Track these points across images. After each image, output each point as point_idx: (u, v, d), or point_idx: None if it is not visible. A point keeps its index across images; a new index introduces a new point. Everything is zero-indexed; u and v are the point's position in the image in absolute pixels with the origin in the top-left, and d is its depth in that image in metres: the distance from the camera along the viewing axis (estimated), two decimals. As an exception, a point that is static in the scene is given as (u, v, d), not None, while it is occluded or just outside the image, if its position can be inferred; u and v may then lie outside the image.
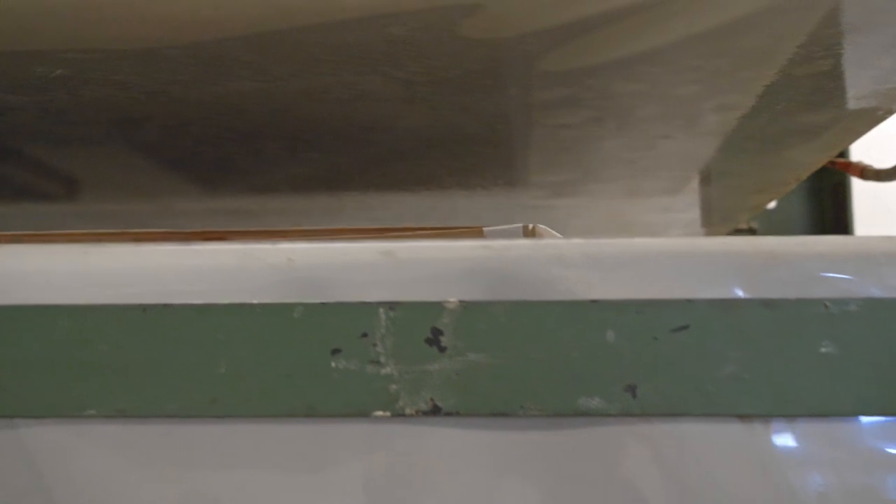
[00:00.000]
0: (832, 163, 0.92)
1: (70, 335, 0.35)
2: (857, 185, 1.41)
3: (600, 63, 0.53)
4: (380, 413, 0.34)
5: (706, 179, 0.88)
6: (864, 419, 0.34)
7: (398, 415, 0.34)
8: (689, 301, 0.34)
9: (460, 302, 0.34)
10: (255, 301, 0.35)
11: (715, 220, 1.10)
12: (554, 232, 0.41)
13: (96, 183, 0.83)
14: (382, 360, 0.34)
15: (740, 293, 0.34)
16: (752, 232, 1.35)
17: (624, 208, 1.00)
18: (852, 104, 0.62)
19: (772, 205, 1.50)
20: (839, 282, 0.34)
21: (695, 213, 1.05)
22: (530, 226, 0.40)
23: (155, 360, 0.35)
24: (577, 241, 0.35)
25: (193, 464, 0.35)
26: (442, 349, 0.34)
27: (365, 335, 0.34)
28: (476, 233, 0.40)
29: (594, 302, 0.34)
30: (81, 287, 0.36)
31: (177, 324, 0.35)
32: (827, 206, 1.47)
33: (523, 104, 0.60)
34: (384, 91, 0.56)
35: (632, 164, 0.79)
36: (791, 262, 0.34)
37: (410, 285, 0.35)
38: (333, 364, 0.34)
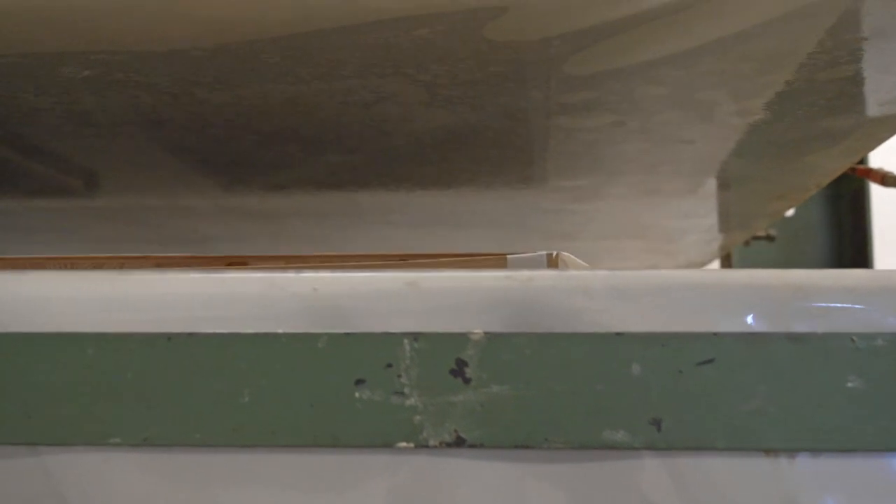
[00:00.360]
0: (852, 169, 0.91)
1: (95, 363, 0.35)
2: (877, 193, 1.40)
3: (624, 66, 0.52)
4: (403, 444, 0.34)
5: (725, 185, 0.87)
6: (891, 455, 0.33)
7: (422, 446, 0.34)
8: (715, 334, 0.34)
9: (485, 333, 0.34)
10: (279, 330, 0.35)
11: (733, 225, 1.10)
12: (578, 260, 0.41)
13: (115, 179, 0.83)
14: (407, 390, 0.34)
15: (766, 327, 0.34)
16: (770, 239, 1.35)
17: (642, 213, 0.99)
18: (874, 110, 0.62)
19: (790, 212, 1.49)
20: (866, 316, 0.34)
21: (713, 219, 1.04)
22: (554, 253, 0.40)
23: (179, 388, 0.35)
24: (601, 272, 0.35)
25: (217, 492, 0.35)
26: (466, 380, 0.34)
27: (389, 366, 0.34)
28: (499, 261, 0.40)
29: (619, 335, 0.34)
30: (107, 315, 0.36)
31: (201, 352, 0.35)
32: (846, 214, 1.46)
33: (545, 107, 0.60)
34: (406, 93, 0.56)
35: (652, 169, 0.79)
36: (817, 295, 0.34)
37: (434, 316, 0.35)
38: (357, 394, 0.34)
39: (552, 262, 0.40)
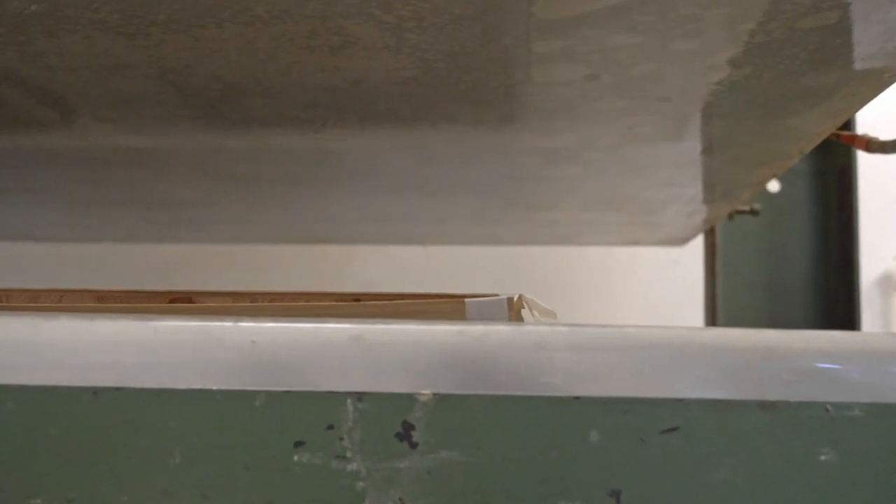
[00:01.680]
0: (836, 135, 0.89)
1: (15, 418, 0.33)
2: (863, 169, 1.38)
3: (596, 10, 0.50)
4: (345, 512, 0.32)
5: (707, 150, 0.85)
6: (865, 533, 0.31)
7: (365, 514, 0.32)
8: (680, 400, 0.31)
9: (434, 394, 0.32)
10: (214, 387, 0.32)
11: (716, 195, 1.07)
12: (542, 304, 0.38)
13: (78, 129, 0.80)
14: (349, 454, 0.32)
15: (735, 393, 0.31)
16: (754, 213, 1.32)
17: (622, 181, 0.97)
18: (859, 64, 0.59)
19: (776, 187, 1.47)
20: (843, 383, 0.31)
21: (695, 188, 1.02)
22: (515, 297, 0.37)
23: (106, 447, 0.33)
24: (561, 328, 0.33)
25: (146, 558, 0.33)
26: (413, 445, 0.32)
27: (331, 427, 0.32)
28: (457, 305, 0.37)
29: (577, 399, 0.32)
30: (30, 365, 0.33)
31: (129, 408, 0.33)
32: (832, 191, 1.44)
33: (516, 56, 0.58)
34: (372, 38, 0.54)
35: (630, 132, 0.77)
36: (790, 359, 0.32)
37: (381, 374, 0.32)
38: (296, 457, 0.32)
39: (514, 306, 0.37)
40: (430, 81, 0.62)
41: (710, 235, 1.47)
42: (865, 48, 0.56)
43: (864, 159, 1.39)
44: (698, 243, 1.40)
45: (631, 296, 1.37)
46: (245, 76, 0.61)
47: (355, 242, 1.36)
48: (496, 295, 0.37)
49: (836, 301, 1.43)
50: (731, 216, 1.27)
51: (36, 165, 0.93)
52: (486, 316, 0.37)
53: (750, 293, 1.41)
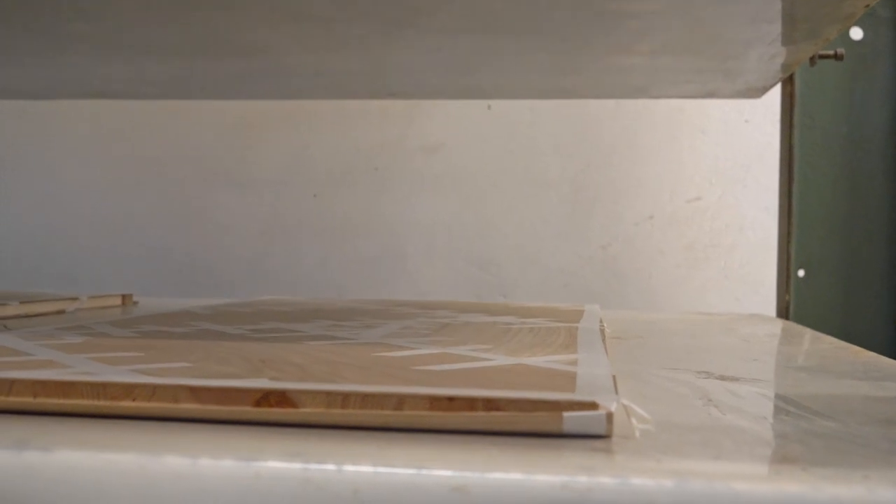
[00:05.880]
0: None
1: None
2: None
3: None
4: None
5: None
6: None
7: None
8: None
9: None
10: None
11: (800, 34, 1.02)
12: (639, 410, 0.37)
13: None
14: None
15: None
16: (838, 58, 1.26)
17: (707, 19, 0.93)
18: None
19: (858, 35, 1.40)
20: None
21: (778, 26, 0.98)
22: (613, 407, 0.37)
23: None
24: (668, 483, 0.32)
25: None
26: None
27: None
28: (555, 418, 0.36)
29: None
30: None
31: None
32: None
33: None
34: None
35: None
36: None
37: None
38: None
39: (610, 420, 0.37)
40: None
41: (788, 84, 1.43)
42: None
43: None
44: (771, 101, 1.35)
45: (700, 156, 1.33)
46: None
47: (419, 97, 1.33)
48: (594, 407, 0.37)
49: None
50: (812, 61, 1.21)
51: (103, 7, 0.92)
52: (584, 429, 0.37)
53: (827, 147, 1.37)
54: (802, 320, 1.35)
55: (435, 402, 0.38)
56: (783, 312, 1.31)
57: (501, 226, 1.36)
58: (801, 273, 1.37)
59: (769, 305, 1.30)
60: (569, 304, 1.15)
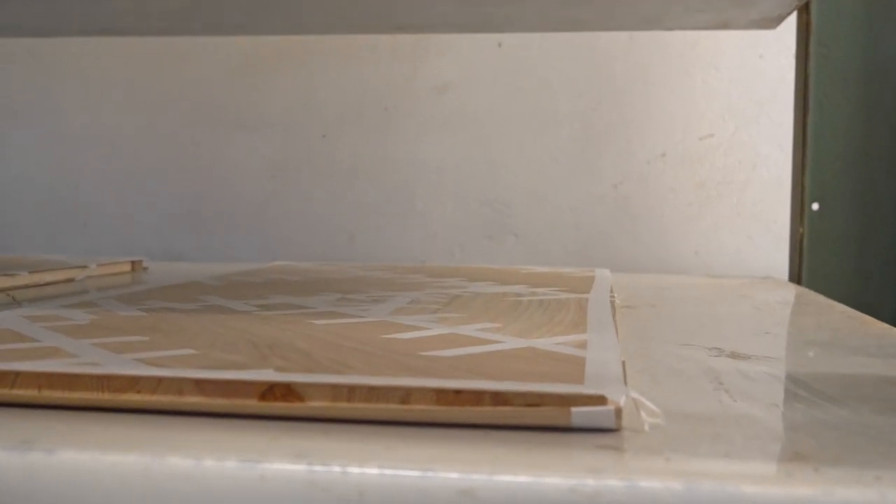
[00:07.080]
0: None
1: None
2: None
3: None
4: None
5: None
6: None
7: None
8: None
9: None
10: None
11: None
12: (649, 404, 0.37)
13: None
14: None
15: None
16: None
17: None
18: None
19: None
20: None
21: None
22: (621, 401, 0.36)
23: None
24: (677, 486, 0.32)
25: None
26: None
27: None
28: (563, 413, 0.36)
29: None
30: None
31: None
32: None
33: None
34: None
35: None
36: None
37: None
38: None
39: (619, 415, 0.36)
40: None
41: (804, 13, 1.40)
42: None
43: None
44: (786, 36, 1.32)
45: (713, 93, 1.31)
46: None
47: (428, 30, 1.31)
48: (603, 401, 0.36)
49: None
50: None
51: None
52: (592, 425, 0.36)
53: (844, 79, 1.34)
54: (816, 254, 1.34)
55: (441, 396, 0.37)
56: (796, 246, 1.30)
57: (512, 165, 1.34)
58: (815, 206, 1.35)
59: (782, 243, 1.29)
60: (579, 269, 1.14)
